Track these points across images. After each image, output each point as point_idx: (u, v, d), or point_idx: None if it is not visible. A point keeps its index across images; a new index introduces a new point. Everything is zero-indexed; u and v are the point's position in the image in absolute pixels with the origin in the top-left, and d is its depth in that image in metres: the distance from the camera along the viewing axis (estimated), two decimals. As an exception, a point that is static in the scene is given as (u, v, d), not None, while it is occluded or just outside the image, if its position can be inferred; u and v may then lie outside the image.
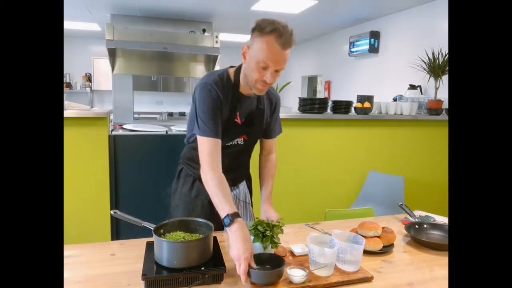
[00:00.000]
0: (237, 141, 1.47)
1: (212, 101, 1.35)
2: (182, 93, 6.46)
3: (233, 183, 1.53)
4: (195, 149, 1.42)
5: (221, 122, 1.37)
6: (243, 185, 1.64)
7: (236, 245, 1.12)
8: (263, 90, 1.35)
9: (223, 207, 1.20)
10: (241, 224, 1.16)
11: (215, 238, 1.28)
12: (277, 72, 1.28)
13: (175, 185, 1.61)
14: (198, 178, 1.53)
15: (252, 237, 1.20)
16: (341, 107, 3.08)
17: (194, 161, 1.50)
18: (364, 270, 1.18)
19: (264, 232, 1.19)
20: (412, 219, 1.65)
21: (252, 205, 1.65)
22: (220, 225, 1.35)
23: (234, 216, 1.17)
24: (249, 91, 1.40)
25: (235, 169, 1.52)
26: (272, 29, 1.21)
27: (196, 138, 1.39)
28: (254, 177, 1.69)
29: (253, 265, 1.10)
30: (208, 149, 1.31)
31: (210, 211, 1.48)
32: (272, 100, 1.54)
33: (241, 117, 1.44)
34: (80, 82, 7.73)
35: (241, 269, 1.07)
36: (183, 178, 1.59)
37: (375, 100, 3.25)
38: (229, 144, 1.45)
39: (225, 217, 1.18)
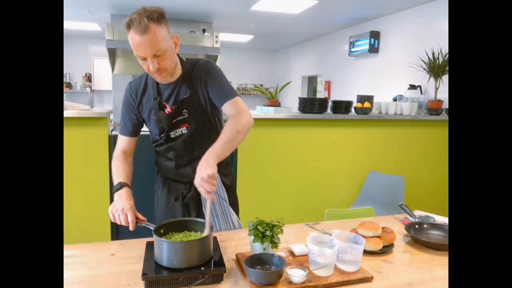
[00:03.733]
0: (180, 131, 1.48)
1: (125, 102, 1.51)
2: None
3: None
4: (154, 150, 1.58)
5: (149, 115, 1.48)
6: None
7: (118, 201, 1.28)
8: (162, 77, 1.38)
9: (117, 178, 1.39)
10: (128, 191, 1.34)
11: (215, 238, 1.28)
12: (157, 57, 1.29)
13: (155, 186, 1.68)
14: (167, 177, 1.60)
15: (252, 237, 1.21)
16: (341, 107, 3.08)
17: (159, 161, 1.60)
18: (364, 270, 1.18)
19: (264, 232, 1.19)
20: (412, 219, 1.65)
21: (227, 202, 1.59)
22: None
23: (124, 185, 1.36)
24: (166, 81, 1.44)
25: (197, 160, 1.44)
26: (126, 25, 1.26)
27: (154, 140, 1.54)
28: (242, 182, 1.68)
29: (141, 216, 1.28)
30: (118, 143, 1.54)
31: (182, 208, 1.56)
32: (201, 75, 1.46)
33: (169, 104, 1.46)
34: (80, 82, 7.74)
35: (123, 221, 1.23)
36: (158, 179, 1.65)
37: (375, 100, 3.24)
38: (173, 136, 1.49)
39: (117, 184, 1.37)
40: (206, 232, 1.21)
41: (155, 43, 1.25)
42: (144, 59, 1.30)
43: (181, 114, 1.46)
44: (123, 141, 1.53)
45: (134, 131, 1.53)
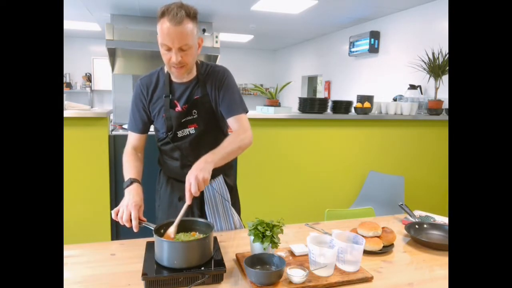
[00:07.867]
0: (188, 131, 1.49)
1: (135, 99, 1.52)
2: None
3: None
4: (159, 148, 1.59)
5: (159, 112, 1.48)
6: (220, 179, 1.60)
7: (128, 197, 1.29)
8: (180, 73, 1.40)
9: (128, 174, 1.41)
10: (138, 187, 1.36)
11: (215, 238, 1.28)
12: (182, 51, 1.32)
13: (156, 186, 1.67)
14: (171, 176, 1.59)
15: (252, 237, 1.21)
16: (341, 107, 3.08)
17: (162, 160, 1.60)
18: (364, 270, 1.18)
19: (264, 232, 1.19)
20: (412, 219, 1.65)
21: (229, 202, 1.60)
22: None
23: (134, 180, 1.37)
24: (181, 79, 1.46)
25: None
26: (161, 12, 1.30)
27: (159, 138, 1.55)
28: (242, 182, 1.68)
29: (142, 217, 1.28)
30: (128, 139, 1.54)
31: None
32: (217, 81, 1.49)
33: (180, 103, 1.47)
34: (80, 82, 7.74)
35: (124, 216, 1.23)
36: (161, 178, 1.65)
37: (375, 100, 3.24)
38: (180, 135, 1.49)
39: (127, 180, 1.38)
40: (171, 229, 1.21)
41: (185, 37, 1.30)
42: (169, 49, 1.32)
43: (191, 114, 1.47)
44: (133, 138, 1.54)
45: (144, 128, 1.54)
